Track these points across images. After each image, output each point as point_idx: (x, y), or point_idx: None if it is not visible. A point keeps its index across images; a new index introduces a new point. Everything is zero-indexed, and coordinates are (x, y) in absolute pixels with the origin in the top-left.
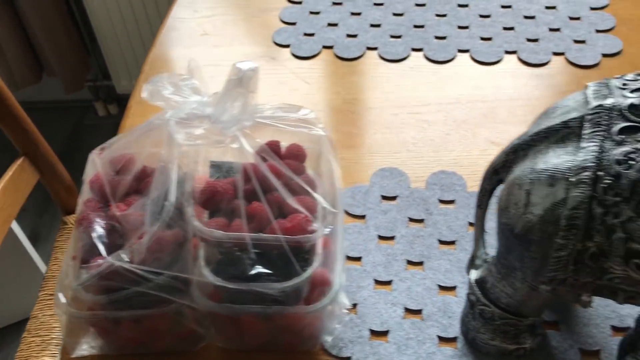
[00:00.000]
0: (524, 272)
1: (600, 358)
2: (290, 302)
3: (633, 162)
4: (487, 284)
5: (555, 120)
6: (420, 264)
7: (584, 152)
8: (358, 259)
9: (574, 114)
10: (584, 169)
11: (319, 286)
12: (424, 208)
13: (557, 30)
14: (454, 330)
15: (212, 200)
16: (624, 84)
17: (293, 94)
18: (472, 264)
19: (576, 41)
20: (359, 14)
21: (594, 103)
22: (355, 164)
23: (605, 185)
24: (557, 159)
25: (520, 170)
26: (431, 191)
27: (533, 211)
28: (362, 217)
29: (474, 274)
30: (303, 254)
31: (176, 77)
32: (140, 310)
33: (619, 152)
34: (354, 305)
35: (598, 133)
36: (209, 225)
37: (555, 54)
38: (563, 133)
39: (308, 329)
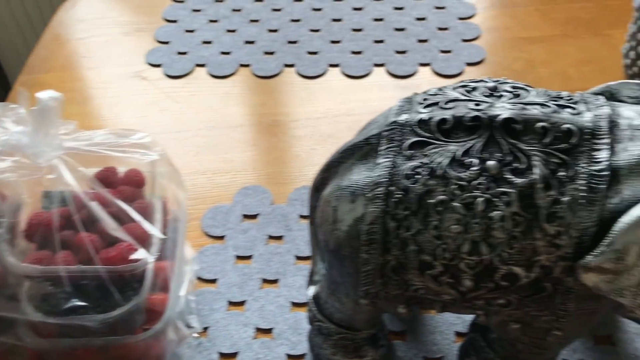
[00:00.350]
0: (345, 287)
1: None
2: (121, 332)
3: (419, 177)
4: (321, 299)
5: (360, 137)
6: (275, 281)
7: (379, 168)
8: (214, 281)
9: (375, 130)
10: (378, 184)
11: (156, 313)
12: (284, 225)
13: (425, 41)
14: (303, 347)
15: (36, 232)
16: (425, 99)
17: (162, 114)
18: (310, 280)
19: (442, 51)
20: (234, 31)
21: (391, 119)
22: (219, 184)
23: (396, 200)
24: (358, 175)
25: (330, 187)
26: (292, 207)
27: (340, 227)
28: (222, 237)
29: (312, 290)
30: (132, 283)
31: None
32: None
33: (407, 166)
34: (205, 329)
35: (391, 149)
36: (28, 259)
37: (422, 64)
38: (365, 150)
39: (148, 357)
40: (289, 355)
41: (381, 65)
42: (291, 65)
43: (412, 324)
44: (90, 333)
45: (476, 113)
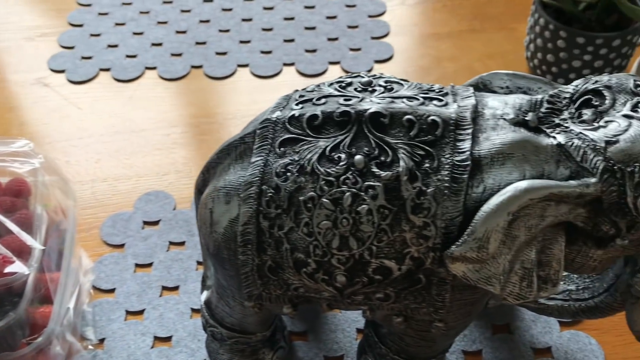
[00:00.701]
0: (231, 290)
1: None
2: (2, 348)
3: (289, 174)
4: (212, 304)
5: (237, 135)
6: (176, 288)
7: (252, 167)
8: (112, 290)
9: (250, 129)
10: (250, 184)
11: (39, 327)
12: (186, 230)
13: (335, 39)
14: (202, 353)
15: None
16: (301, 96)
17: (64, 121)
18: (203, 285)
19: (352, 49)
20: (141, 33)
21: (265, 117)
22: (120, 190)
23: (267, 199)
24: (233, 175)
25: (208, 189)
26: (195, 212)
27: (217, 230)
28: (121, 246)
29: (204, 295)
30: (10, 297)
31: None
32: None
33: (278, 164)
34: (102, 340)
35: (264, 147)
36: None
37: (332, 63)
38: (241, 149)
39: None
40: None
41: (291, 64)
42: (199, 67)
43: (313, 323)
44: None
45: (345, 108)
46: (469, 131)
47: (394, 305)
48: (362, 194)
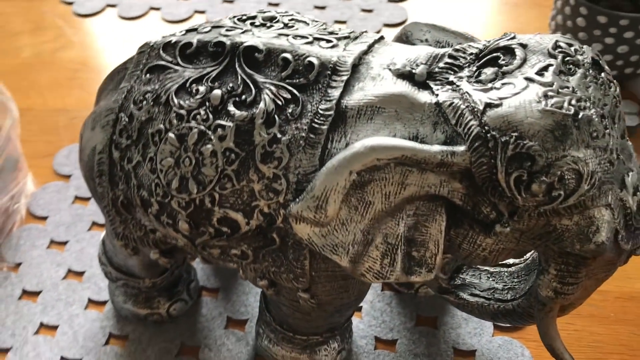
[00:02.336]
0: (107, 226)
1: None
2: None
3: (145, 103)
4: (105, 242)
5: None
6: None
7: (118, 93)
8: (45, 218)
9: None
10: (111, 110)
11: None
12: None
13: None
14: (107, 294)
15: None
16: (200, 25)
17: (59, 53)
18: None
19: (364, 10)
20: None
21: (146, 41)
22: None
23: (121, 127)
24: (105, 101)
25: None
26: None
27: (82, 157)
28: (68, 176)
29: (104, 233)
30: None
31: None
32: None
33: (139, 92)
34: (18, 265)
35: (134, 73)
36: None
37: (338, 21)
38: (122, 74)
39: None
40: (90, 300)
41: None
42: (202, 12)
43: (228, 282)
44: None
45: (221, 39)
46: (344, 78)
47: (255, 265)
48: (210, 132)
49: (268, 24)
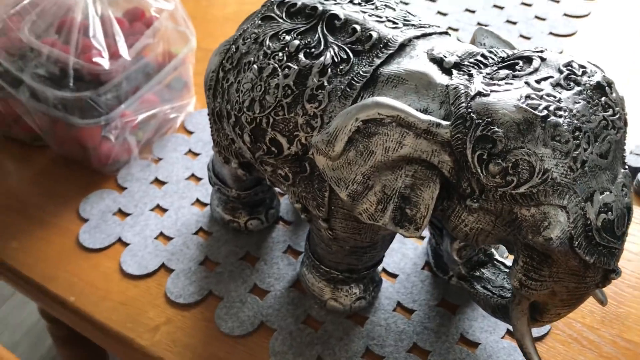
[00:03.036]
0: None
1: None
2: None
3: (249, 40)
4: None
5: None
6: None
7: (238, 30)
8: (191, 132)
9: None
10: (227, 42)
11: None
12: None
13: None
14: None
15: (62, 28)
16: None
17: None
18: None
19: (537, 17)
20: None
21: None
22: None
23: (229, 55)
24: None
25: None
26: None
27: (205, 75)
28: None
29: None
30: (95, 83)
31: None
32: None
33: (249, 32)
34: (160, 159)
35: (253, 17)
36: (43, 40)
37: None
38: (254, 14)
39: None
40: (198, 199)
41: None
42: None
43: (300, 220)
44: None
45: (317, 5)
46: (389, 52)
47: (294, 189)
48: (279, 70)
49: (362, 3)
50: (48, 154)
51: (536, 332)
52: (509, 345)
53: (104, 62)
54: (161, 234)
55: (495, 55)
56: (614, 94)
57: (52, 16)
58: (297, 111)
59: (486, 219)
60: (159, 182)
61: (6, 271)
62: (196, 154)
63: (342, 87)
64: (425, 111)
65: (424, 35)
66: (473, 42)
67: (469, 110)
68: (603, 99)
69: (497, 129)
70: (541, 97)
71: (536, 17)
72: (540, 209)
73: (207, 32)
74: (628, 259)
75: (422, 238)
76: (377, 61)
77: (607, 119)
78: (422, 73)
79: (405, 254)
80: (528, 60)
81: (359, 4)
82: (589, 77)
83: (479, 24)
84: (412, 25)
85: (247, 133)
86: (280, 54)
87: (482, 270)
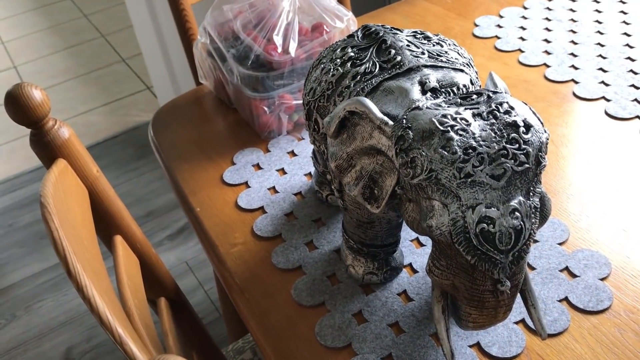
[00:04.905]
0: None
1: None
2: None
3: (339, 47)
4: None
5: None
6: None
7: (344, 40)
8: None
9: None
10: (333, 45)
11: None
12: None
13: None
14: None
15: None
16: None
17: None
18: None
19: None
20: None
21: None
22: None
23: (324, 55)
24: None
25: None
26: None
27: None
28: None
29: None
30: (271, 73)
31: None
32: None
33: (338, 43)
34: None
35: (356, 33)
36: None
37: None
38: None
39: None
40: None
41: None
42: None
43: None
44: None
45: (379, 30)
46: (397, 72)
47: (326, 162)
48: (332, 71)
49: (419, 37)
50: (236, 115)
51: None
52: (470, 353)
53: (275, 54)
54: (273, 187)
55: (467, 88)
56: (529, 135)
57: (257, 15)
58: (331, 101)
59: (415, 209)
60: (293, 153)
61: (173, 181)
62: None
63: (358, 89)
64: (396, 116)
65: (434, 66)
66: None
67: (405, 117)
68: (513, 134)
69: (409, 132)
70: (454, 119)
71: None
72: (430, 202)
73: None
74: None
75: None
76: (386, 75)
77: (507, 150)
78: (405, 89)
79: None
80: (479, 95)
81: (418, 38)
82: (509, 115)
83: (636, 100)
84: (436, 58)
85: (305, 112)
86: (338, 61)
87: None
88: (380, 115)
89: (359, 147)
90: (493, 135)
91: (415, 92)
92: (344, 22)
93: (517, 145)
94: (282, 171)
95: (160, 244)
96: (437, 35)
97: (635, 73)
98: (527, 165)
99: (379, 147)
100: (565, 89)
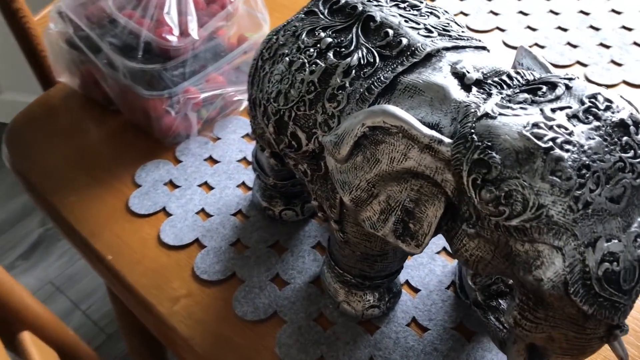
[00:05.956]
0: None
1: None
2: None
3: (288, 33)
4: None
5: None
6: None
7: (283, 23)
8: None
9: None
10: (272, 32)
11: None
12: None
13: None
14: None
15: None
16: None
17: None
18: None
19: (612, 61)
20: None
21: None
22: None
23: (269, 45)
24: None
25: None
26: None
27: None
28: None
29: None
30: (163, 57)
31: None
32: None
33: (291, 25)
34: (218, 138)
35: (301, 13)
36: (122, 12)
37: None
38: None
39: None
40: (244, 183)
41: None
42: None
43: None
44: None
45: (358, 4)
46: (414, 61)
47: (311, 185)
48: (307, 65)
49: (407, 8)
50: (120, 118)
51: None
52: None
53: (173, 38)
54: (202, 210)
55: (522, 77)
56: (636, 134)
57: None
58: (317, 109)
59: (486, 247)
60: (212, 160)
61: (60, 222)
62: (253, 139)
63: (362, 90)
64: (436, 126)
65: (456, 48)
66: (515, 60)
67: (472, 130)
68: (624, 138)
69: (494, 155)
70: (550, 128)
71: (635, 43)
72: (534, 246)
73: (282, 19)
74: None
75: None
76: (400, 68)
77: (624, 161)
78: (440, 86)
79: (432, 270)
80: (553, 86)
81: (404, 8)
82: (612, 112)
83: (568, 43)
84: (449, 35)
85: (272, 124)
86: (312, 50)
87: (500, 300)
88: (426, 130)
89: (386, 171)
90: (604, 143)
91: (454, 89)
92: None
93: (633, 151)
94: (207, 186)
95: (12, 266)
96: (420, 2)
97: (557, 13)
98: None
99: (420, 170)
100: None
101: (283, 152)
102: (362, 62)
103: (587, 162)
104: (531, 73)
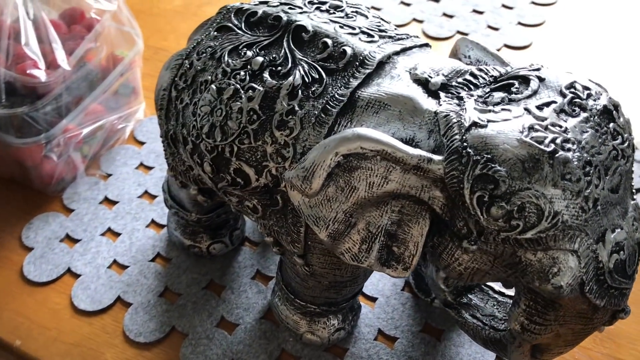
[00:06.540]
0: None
1: None
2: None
3: (204, 55)
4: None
5: None
6: None
7: (190, 43)
8: (143, 143)
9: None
10: (180, 56)
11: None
12: None
13: None
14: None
15: None
16: None
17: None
18: None
19: (489, 26)
20: None
21: (229, 5)
22: None
23: (182, 72)
24: (184, 47)
25: None
26: None
27: (155, 91)
28: None
29: None
30: (31, 96)
31: None
32: None
33: (204, 45)
34: (109, 175)
35: (208, 28)
36: None
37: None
38: (204, 26)
39: None
40: (153, 220)
41: None
42: None
43: None
44: None
45: (281, 14)
46: (367, 71)
47: (264, 221)
48: (242, 91)
49: (331, 11)
50: None
51: None
52: (424, 337)
53: (40, 73)
54: (115, 262)
55: (486, 73)
56: (621, 119)
57: None
58: (265, 139)
59: (483, 259)
60: (109, 201)
61: None
62: (149, 168)
63: (316, 112)
64: (411, 141)
65: (404, 50)
66: (454, 53)
67: (465, 144)
68: (611, 125)
69: (499, 168)
70: (546, 128)
71: (503, 5)
72: (548, 253)
73: (154, 27)
74: None
75: None
76: (354, 82)
77: (617, 148)
78: (406, 97)
79: (383, 274)
80: (524, 80)
81: (327, 11)
82: (594, 100)
83: (444, 14)
84: (389, 37)
85: (208, 162)
86: (242, 73)
87: (470, 295)
88: (411, 150)
89: (364, 198)
90: (597, 134)
91: (422, 97)
92: (113, 0)
93: (620, 137)
94: (111, 233)
95: None
96: (340, 0)
97: None
98: (632, 159)
99: (405, 191)
100: None
101: (223, 190)
102: (306, 80)
103: (588, 159)
104: (494, 68)
